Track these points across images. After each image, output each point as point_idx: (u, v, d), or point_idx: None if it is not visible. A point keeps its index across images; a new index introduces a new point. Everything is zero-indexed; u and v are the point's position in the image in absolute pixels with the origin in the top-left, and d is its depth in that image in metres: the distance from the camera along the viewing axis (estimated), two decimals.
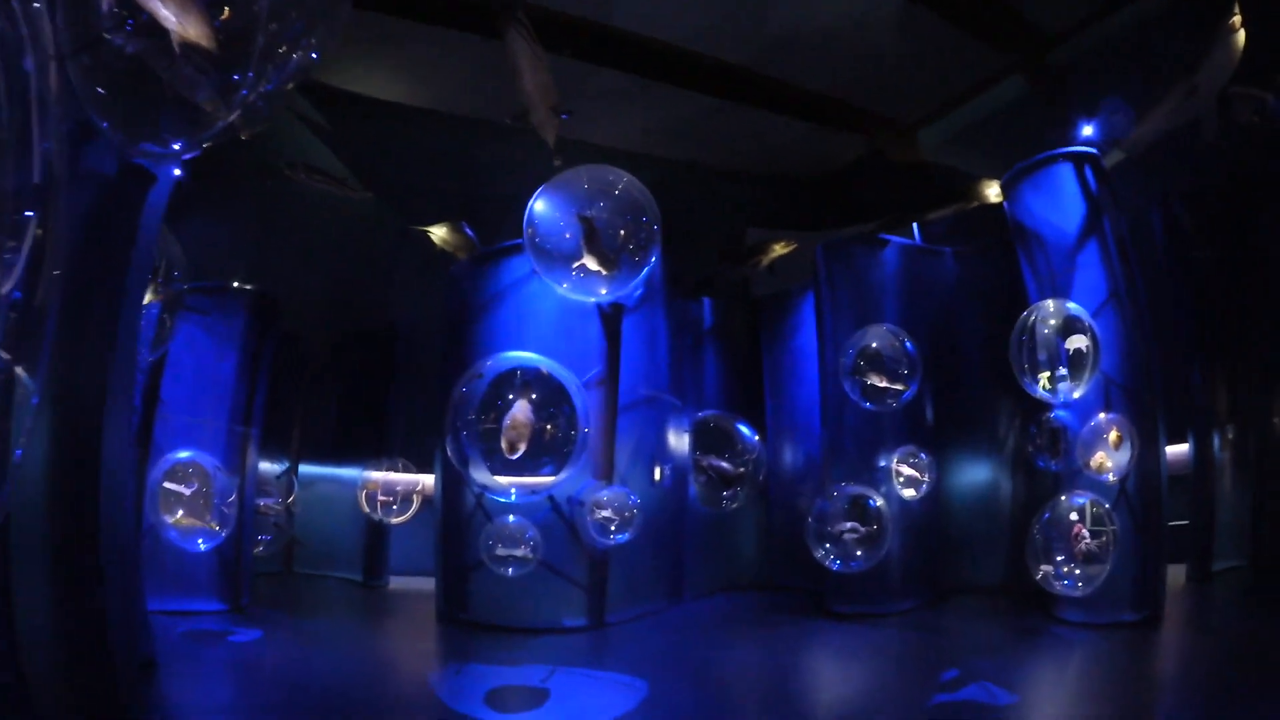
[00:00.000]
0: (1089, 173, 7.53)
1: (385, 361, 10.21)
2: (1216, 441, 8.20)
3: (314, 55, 3.67)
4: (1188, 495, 7.95)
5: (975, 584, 8.45)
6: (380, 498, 9.48)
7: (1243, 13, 6.89)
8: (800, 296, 9.71)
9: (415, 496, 9.45)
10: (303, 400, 10.29)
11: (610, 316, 7.75)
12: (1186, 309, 8.24)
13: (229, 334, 8.70)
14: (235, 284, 8.82)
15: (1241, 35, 6.94)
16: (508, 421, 7.37)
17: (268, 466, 10.13)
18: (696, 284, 9.90)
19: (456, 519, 8.01)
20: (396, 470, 9.47)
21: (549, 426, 7.38)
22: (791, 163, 11.77)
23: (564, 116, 7.94)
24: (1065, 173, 7.58)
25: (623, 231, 7.49)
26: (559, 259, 7.53)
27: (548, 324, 7.74)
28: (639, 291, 8.06)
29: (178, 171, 9.42)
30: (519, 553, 7.59)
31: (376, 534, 9.80)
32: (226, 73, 3.49)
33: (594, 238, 7.53)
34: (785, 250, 9.47)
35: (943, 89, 10.20)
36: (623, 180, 7.52)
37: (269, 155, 8.95)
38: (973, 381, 8.68)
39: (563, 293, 7.54)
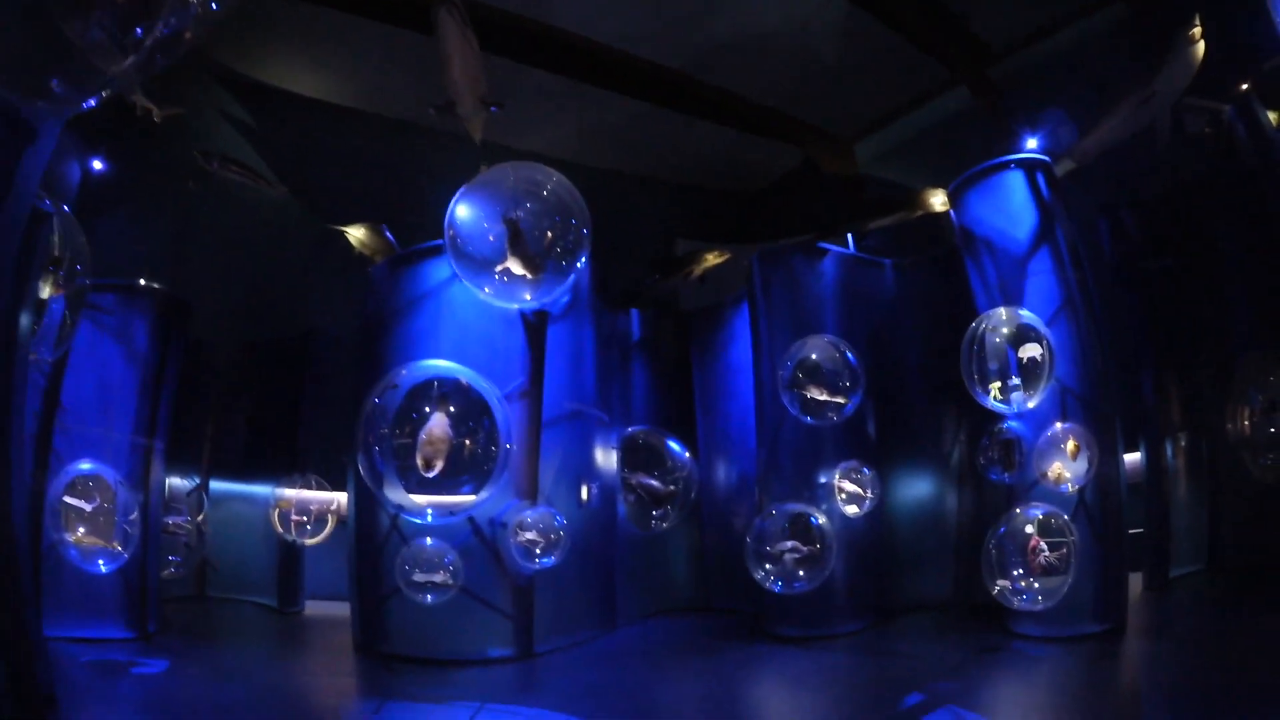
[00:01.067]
0: (1040, 179, 7.00)
1: (299, 371, 9.10)
2: (1169, 449, 7.69)
3: (213, 4, 3.38)
4: (1142, 503, 7.43)
5: (923, 601, 7.79)
6: (293, 517, 8.40)
7: (1202, 24, 6.58)
8: (732, 309, 9.01)
9: (330, 516, 8.42)
10: (213, 412, 9.21)
11: (534, 325, 6.91)
12: (1136, 317, 7.71)
13: (133, 337, 7.68)
14: (142, 282, 7.79)
15: (1201, 46, 6.58)
16: (423, 436, 6.46)
17: (177, 482, 9.09)
18: (625, 295, 9.07)
19: (371, 542, 7.04)
20: (310, 488, 8.42)
21: (468, 442, 6.49)
22: (724, 174, 11.09)
23: (493, 109, 7.09)
24: (1016, 179, 7.04)
25: (550, 234, 6.68)
26: (481, 262, 6.70)
27: (468, 332, 6.87)
28: (565, 299, 7.26)
29: (99, 164, 8.54)
30: (437, 579, 6.66)
31: (290, 556, 8.75)
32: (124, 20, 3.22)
33: (519, 240, 6.73)
34: (718, 260, 8.75)
35: (882, 101, 9.67)
36: (551, 180, 6.73)
37: (192, 153, 7.97)
38: (914, 394, 8.07)
39: (484, 298, 6.70)
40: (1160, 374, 7.80)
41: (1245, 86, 7.03)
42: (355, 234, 7.76)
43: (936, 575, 7.81)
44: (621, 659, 6.98)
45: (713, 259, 8.68)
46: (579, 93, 9.04)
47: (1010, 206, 7.04)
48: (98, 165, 8.55)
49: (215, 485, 9.18)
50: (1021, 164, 7.07)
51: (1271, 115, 6.98)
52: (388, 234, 7.82)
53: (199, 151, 7.76)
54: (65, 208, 6.07)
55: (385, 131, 9.32)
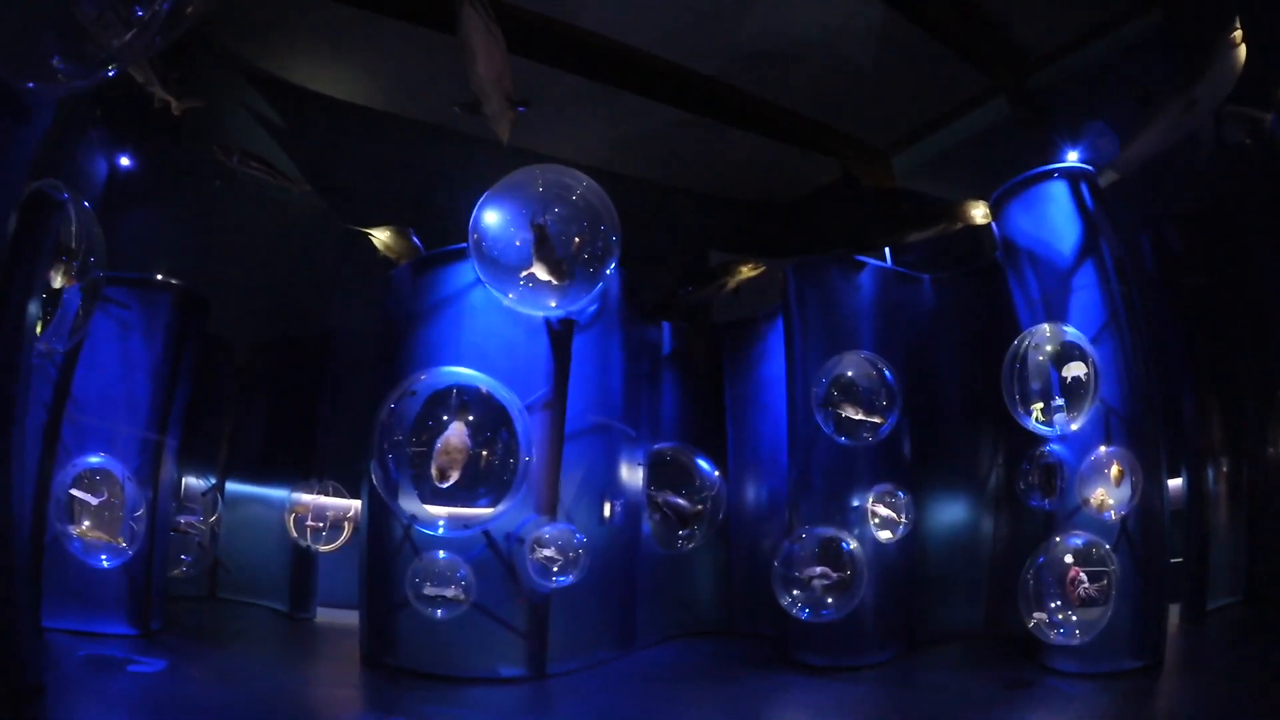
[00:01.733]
0: (1085, 190, 6.49)
1: (319, 373, 8.69)
2: (1211, 474, 7.09)
3: None
4: (1181, 531, 6.85)
5: (954, 631, 7.19)
6: (309, 523, 8.02)
7: (1242, 29, 6.10)
8: (766, 323, 8.46)
9: (347, 523, 8.00)
10: (231, 411, 8.83)
11: (559, 334, 6.43)
12: (1177, 336, 7.14)
13: (149, 332, 7.32)
14: (159, 277, 7.42)
15: (1242, 51, 6.09)
16: (439, 445, 6.04)
17: (193, 482, 8.75)
18: (655, 307, 8.55)
19: (383, 551, 6.59)
20: (327, 493, 8.05)
21: (485, 453, 6.09)
22: (759, 185, 10.56)
23: (521, 109, 6.68)
24: (1059, 190, 6.54)
25: (577, 239, 6.28)
26: (506, 268, 6.30)
27: (490, 339, 6.42)
28: (592, 308, 6.79)
29: (126, 161, 8.34)
30: (449, 593, 6.22)
31: (304, 562, 8.30)
32: None
33: (545, 245, 6.33)
34: (753, 273, 8.20)
35: (920, 110, 9.15)
36: (581, 185, 6.33)
37: (219, 150, 7.62)
38: (951, 415, 7.50)
39: (508, 304, 6.31)
40: (1201, 396, 7.19)
41: None
42: (380, 236, 7.39)
43: (968, 605, 7.23)
44: (638, 683, 6.46)
45: (747, 271, 8.15)
46: (611, 98, 8.63)
47: (1054, 218, 6.55)
48: (125, 162, 8.42)
49: (231, 486, 8.79)
50: (1065, 174, 6.58)
51: None
52: (414, 237, 7.47)
53: (219, 146, 7.38)
54: (84, 202, 5.84)
55: (414, 134, 8.99)
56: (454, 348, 6.43)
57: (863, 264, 7.34)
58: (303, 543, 8.16)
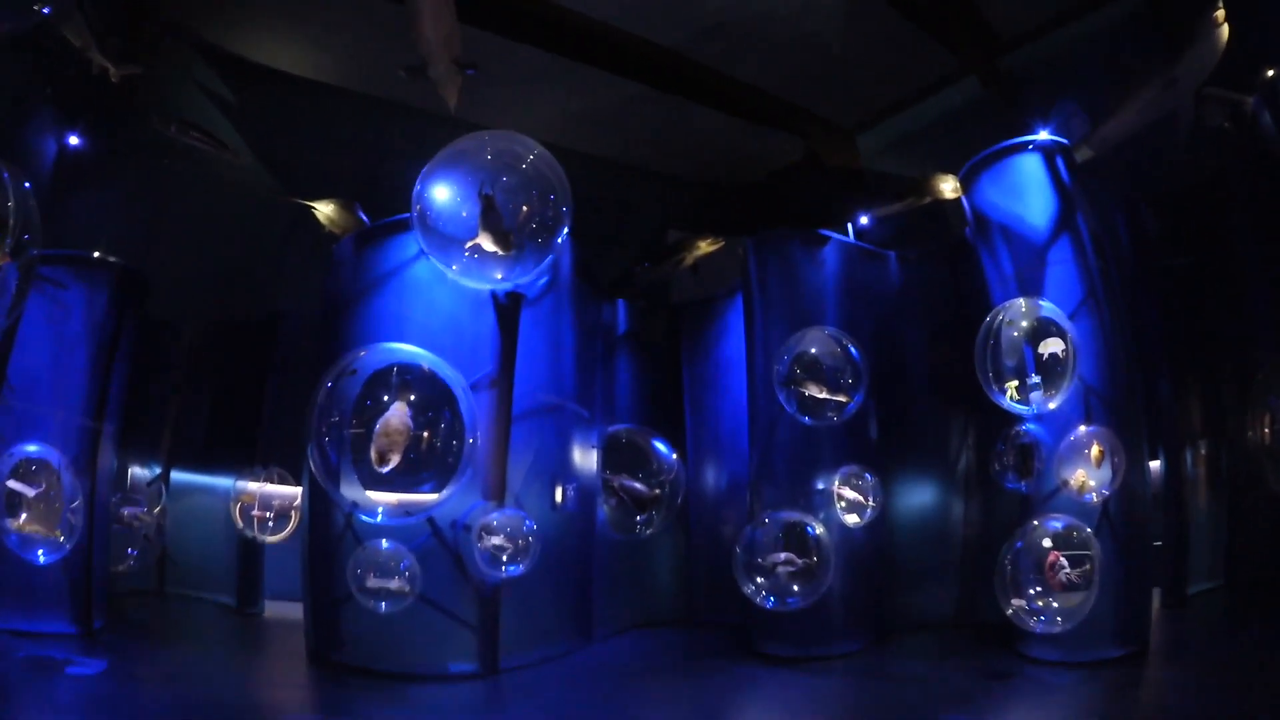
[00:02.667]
0: (1061, 164, 6.00)
1: (265, 357, 7.89)
2: (1189, 458, 6.68)
3: None
4: (1160, 515, 6.41)
5: (925, 619, 6.68)
6: (254, 512, 7.27)
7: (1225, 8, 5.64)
8: (726, 301, 7.85)
9: (294, 512, 7.20)
10: (175, 397, 8.01)
11: (506, 308, 5.79)
12: (1153, 318, 6.63)
13: (85, 312, 6.58)
14: (97, 255, 6.70)
15: (1225, 30, 5.63)
16: (379, 427, 5.36)
17: (138, 471, 8.06)
18: (611, 284, 7.91)
19: (325, 542, 5.92)
20: (272, 481, 7.30)
21: (427, 435, 5.47)
22: (721, 164, 9.76)
23: (469, 72, 6.08)
24: (1034, 164, 6.04)
25: (525, 208, 5.58)
26: (451, 239, 5.60)
27: (435, 314, 5.80)
28: (542, 281, 6.15)
29: (75, 140, 7.69)
30: (393, 585, 5.56)
31: (251, 554, 7.57)
32: None
33: (492, 215, 5.70)
34: (711, 248, 7.59)
35: (888, 89, 8.53)
36: (532, 152, 5.64)
37: (157, 119, 6.92)
38: (919, 395, 6.97)
39: (453, 277, 5.64)
40: (1178, 378, 6.75)
41: (1272, 73, 6.12)
42: (324, 210, 6.67)
43: (940, 591, 6.72)
44: (596, 677, 5.87)
45: (706, 246, 7.55)
46: (568, 72, 7.90)
47: (1028, 191, 6.03)
48: (74, 141, 7.76)
49: (176, 475, 7.97)
50: (1040, 147, 6.06)
51: None
52: (359, 211, 6.82)
53: (158, 116, 6.71)
54: (23, 178, 5.21)
55: (366, 109, 8.24)
56: (396, 324, 5.78)
57: (826, 238, 6.77)
58: (249, 533, 7.39)
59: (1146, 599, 5.60)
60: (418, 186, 5.70)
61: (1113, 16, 7.50)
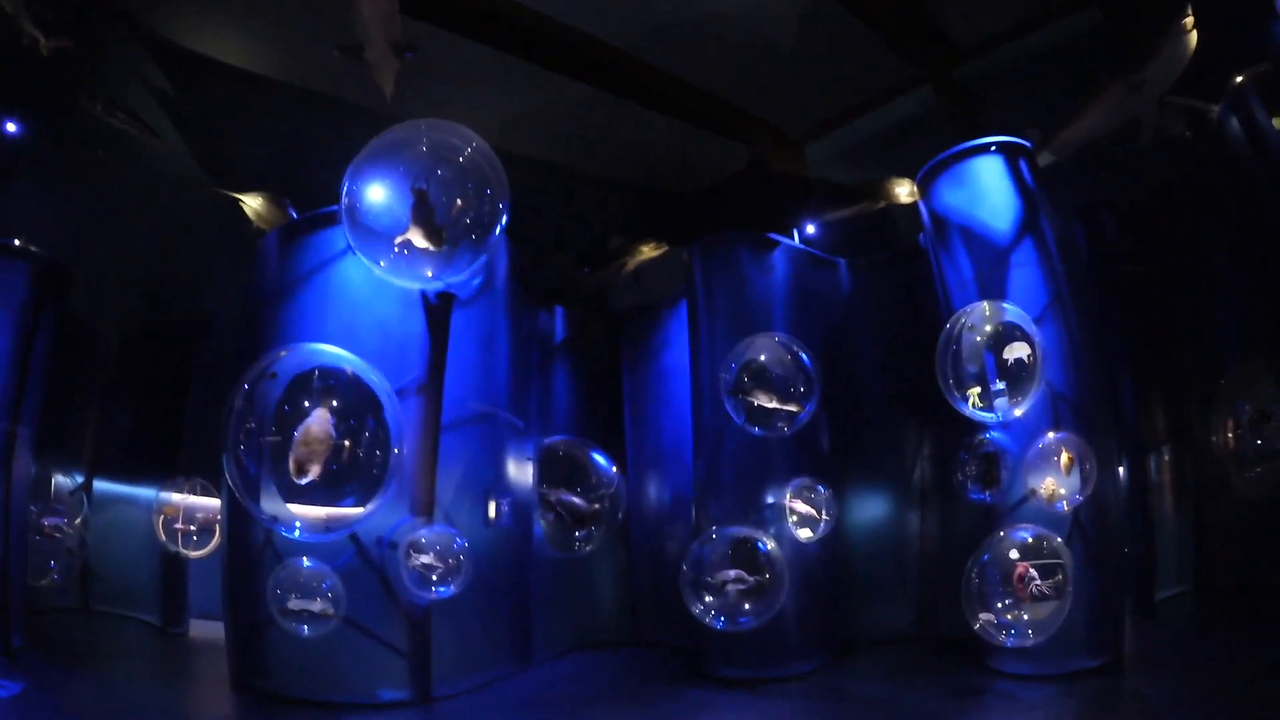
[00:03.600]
0: (1024, 166, 5.53)
1: (190, 361, 7.10)
2: (1153, 464, 6.27)
3: None
4: (1126, 522, 5.98)
5: (883, 635, 6.14)
6: (178, 526, 6.56)
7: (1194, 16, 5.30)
8: (668, 310, 7.19)
9: (218, 526, 6.41)
10: (98, 402, 7.20)
11: (436, 308, 5.14)
12: (1115, 324, 6.21)
13: (2, 304, 5.87)
14: (17, 243, 6.01)
15: (1193, 37, 5.27)
16: (298, 436, 4.70)
17: (62, 480, 7.26)
18: (549, 291, 7.23)
19: (245, 559, 5.20)
20: (196, 492, 6.57)
21: (349, 444, 4.87)
22: (666, 172, 9.09)
23: (408, 55, 5.50)
24: (995, 165, 5.55)
25: (460, 202, 4.95)
26: (379, 234, 4.91)
27: (360, 314, 5.12)
28: (476, 281, 5.51)
29: (11, 127, 6.99)
30: (315, 607, 4.86)
31: (175, 570, 6.80)
32: None
33: (424, 210, 5.07)
34: (654, 254, 7.12)
35: (839, 96, 7.99)
36: (470, 145, 4.99)
37: (84, 97, 6.29)
38: (871, 405, 6.45)
39: (380, 274, 4.96)
40: (1141, 384, 6.33)
41: (1240, 80, 5.81)
42: (252, 204, 6.06)
43: (897, 606, 6.20)
44: (536, 704, 5.21)
45: (648, 252, 7.08)
46: (510, 70, 7.22)
47: (989, 193, 5.55)
48: (11, 128, 7.03)
49: (99, 485, 7.17)
50: (1003, 148, 5.58)
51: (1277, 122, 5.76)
52: (289, 206, 6.17)
53: (84, 95, 6.07)
54: None
55: (303, 103, 7.48)
56: (319, 324, 5.09)
57: (775, 243, 6.21)
58: (172, 547, 6.66)
59: (1120, 607, 5.12)
60: (347, 177, 5.10)
61: (1074, 27, 7.15)
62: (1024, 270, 5.30)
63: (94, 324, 7.26)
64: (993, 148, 5.57)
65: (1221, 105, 5.77)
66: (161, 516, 6.69)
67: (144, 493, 6.99)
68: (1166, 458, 6.37)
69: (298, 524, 4.81)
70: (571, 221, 8.52)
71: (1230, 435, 5.91)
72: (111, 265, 7.19)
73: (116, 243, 7.29)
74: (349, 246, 5.12)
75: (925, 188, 5.91)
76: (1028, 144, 5.72)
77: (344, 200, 5.09)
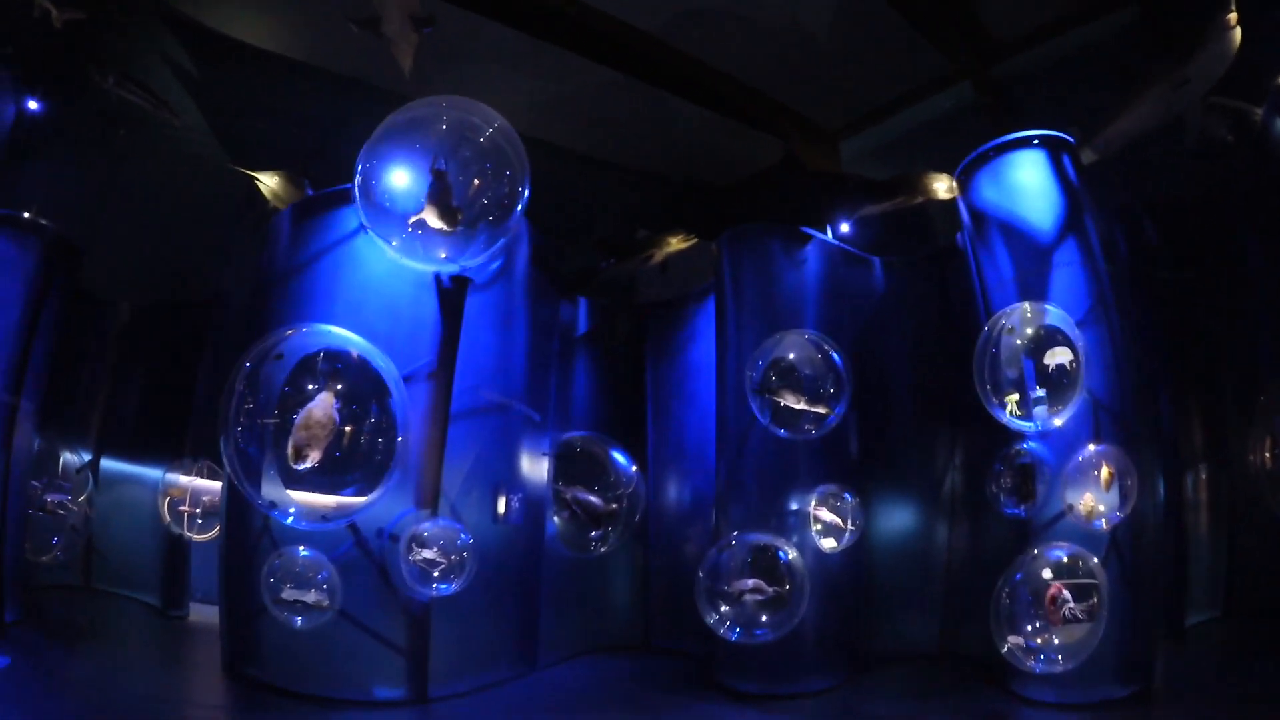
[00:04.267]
0: (1067, 162, 5.05)
1: (201, 340, 6.69)
2: (1190, 482, 5.76)
3: None
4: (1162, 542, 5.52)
5: (903, 652, 5.65)
6: (183, 508, 6.21)
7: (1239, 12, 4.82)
8: (696, 304, 6.70)
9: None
10: (107, 380, 6.83)
11: (450, 292, 4.72)
12: (1153, 333, 5.64)
13: (8, 275, 5.54)
14: (27, 216, 5.67)
15: (1237, 34, 4.80)
16: (300, 419, 4.29)
17: (69, 457, 6.93)
18: (572, 281, 6.73)
19: (242, 544, 4.85)
20: (202, 475, 6.22)
21: (351, 430, 4.47)
22: (696, 163, 8.52)
23: (426, 31, 5.11)
24: (1038, 160, 5.08)
25: (478, 181, 4.58)
26: (394, 212, 4.55)
27: (371, 295, 4.72)
28: (494, 265, 5.08)
29: (34, 104, 6.74)
30: (309, 598, 4.49)
31: (177, 552, 6.45)
32: None
33: (442, 190, 4.60)
34: (683, 245, 6.50)
35: (876, 91, 7.41)
36: (492, 126, 4.62)
37: (94, 71, 5.97)
38: (901, 409, 5.95)
39: (392, 254, 4.60)
40: (1178, 397, 5.83)
41: None
42: (268, 183, 5.67)
43: (920, 622, 5.70)
44: (536, 710, 4.81)
45: (677, 243, 6.46)
46: (537, 53, 6.75)
47: (1032, 189, 5.07)
48: (34, 105, 6.76)
49: (106, 463, 6.79)
50: (1046, 142, 5.11)
51: None
52: (306, 186, 5.82)
53: (95, 66, 5.77)
54: None
55: (324, 84, 7.06)
56: (328, 305, 4.70)
57: (808, 236, 5.73)
58: (176, 530, 6.33)
59: (1153, 634, 4.63)
60: (362, 153, 4.73)
61: (1114, 24, 6.61)
62: (1066, 270, 4.82)
63: (106, 300, 6.93)
64: (1035, 141, 5.10)
65: (1266, 107, 5.30)
66: (167, 498, 6.38)
67: (151, 473, 6.66)
68: (1203, 476, 5.84)
69: (292, 510, 4.50)
70: (596, 212, 8.03)
71: (1268, 455, 5.40)
72: (125, 242, 6.89)
73: (130, 219, 7.01)
74: (361, 225, 4.78)
75: (965, 183, 5.45)
76: (1071, 139, 5.23)
77: (358, 177, 4.77)
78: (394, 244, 4.58)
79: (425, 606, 4.60)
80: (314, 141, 6.60)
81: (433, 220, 4.59)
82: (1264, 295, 5.71)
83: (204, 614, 6.52)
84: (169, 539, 6.45)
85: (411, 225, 4.61)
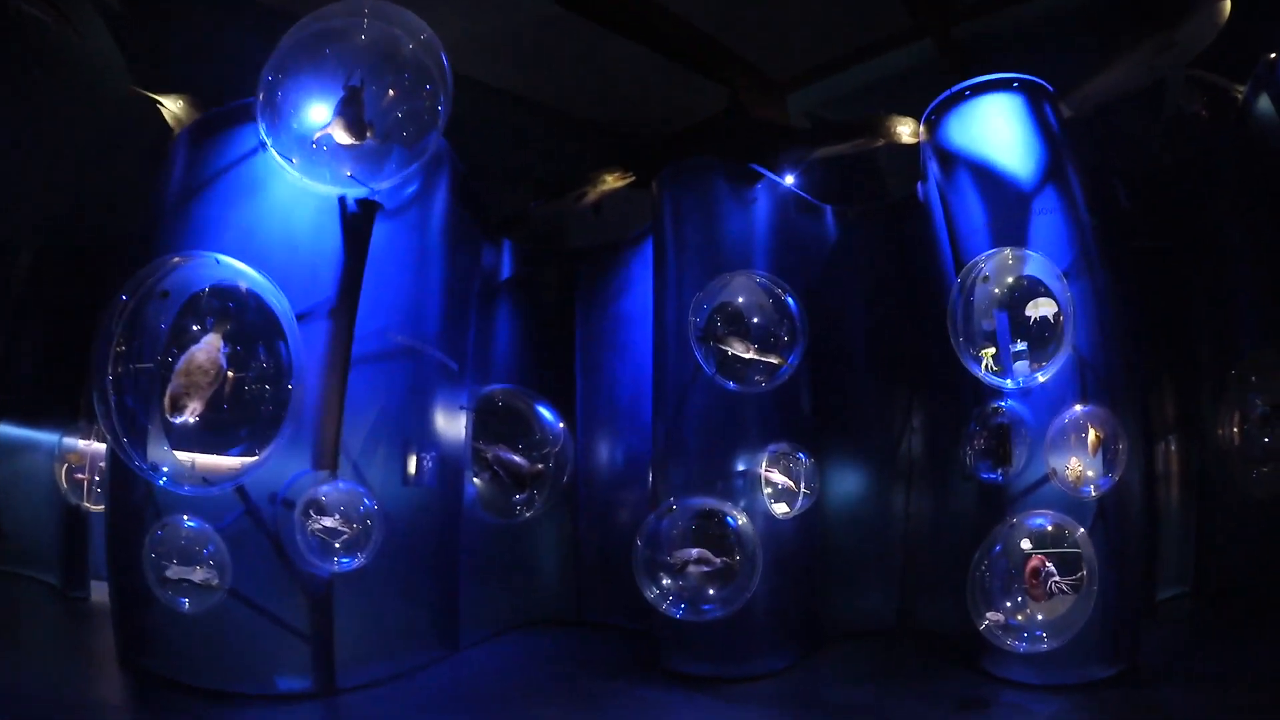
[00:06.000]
0: (1048, 110, 4.28)
1: (100, 289, 5.81)
2: (1160, 454, 5.06)
3: None
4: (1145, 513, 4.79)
5: (861, 627, 4.82)
6: (80, 476, 5.17)
7: None
8: (631, 250, 5.73)
9: None
10: (1, 337, 5.61)
11: (356, 217, 3.73)
12: (1123, 302, 4.64)
13: None
14: None
15: (1227, 3, 4.19)
16: (180, 364, 3.35)
17: None
18: (497, 223, 5.70)
19: (125, 513, 3.84)
20: (101, 438, 5.03)
21: (235, 376, 3.40)
22: (637, 110, 7.21)
23: None
24: (1016, 104, 4.28)
25: (392, 92, 3.65)
26: (298, 129, 3.59)
27: (266, 223, 3.74)
28: (408, 190, 4.09)
29: None
30: (195, 577, 3.53)
31: (77, 526, 5.29)
32: None
33: (354, 105, 3.60)
34: (619, 184, 5.57)
35: (832, 41, 6.33)
36: (420, 35, 3.67)
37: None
38: (854, 367, 5.09)
39: (292, 173, 3.62)
40: (1150, 368, 5.05)
41: (1273, 57, 4.71)
42: (171, 107, 4.58)
43: (876, 596, 4.87)
44: (457, 699, 3.88)
45: (612, 181, 5.50)
46: None
47: (1008, 133, 4.27)
48: None
49: (3, 429, 5.57)
50: (1025, 87, 4.33)
51: None
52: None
53: None
54: None
55: (254, 12, 5.69)
56: (219, 233, 3.70)
57: (757, 174, 4.79)
58: (73, 500, 5.24)
59: (1137, 609, 3.96)
60: (272, 60, 3.65)
61: None
62: (1047, 220, 4.02)
63: (3, 247, 5.73)
64: (1015, 84, 4.30)
65: (1250, 83, 4.68)
66: (65, 465, 5.33)
67: (49, 438, 5.51)
68: (1173, 448, 5.15)
69: (165, 470, 3.55)
70: (527, 155, 6.84)
71: (1237, 429, 4.82)
72: (25, 182, 5.77)
73: (32, 157, 5.83)
74: (261, 143, 3.85)
75: (934, 125, 4.62)
76: (1050, 88, 4.45)
77: (262, 89, 3.83)
78: (294, 161, 3.63)
79: (327, 583, 3.65)
80: (230, 68, 5.51)
81: (340, 135, 3.69)
82: (1240, 271, 5.01)
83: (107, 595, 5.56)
84: (68, 511, 5.30)
85: (316, 140, 3.70)
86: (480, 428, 4.66)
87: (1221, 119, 5.01)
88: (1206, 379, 5.02)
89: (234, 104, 3.98)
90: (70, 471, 5.27)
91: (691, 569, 3.72)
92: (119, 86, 5.49)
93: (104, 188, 5.84)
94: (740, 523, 3.88)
